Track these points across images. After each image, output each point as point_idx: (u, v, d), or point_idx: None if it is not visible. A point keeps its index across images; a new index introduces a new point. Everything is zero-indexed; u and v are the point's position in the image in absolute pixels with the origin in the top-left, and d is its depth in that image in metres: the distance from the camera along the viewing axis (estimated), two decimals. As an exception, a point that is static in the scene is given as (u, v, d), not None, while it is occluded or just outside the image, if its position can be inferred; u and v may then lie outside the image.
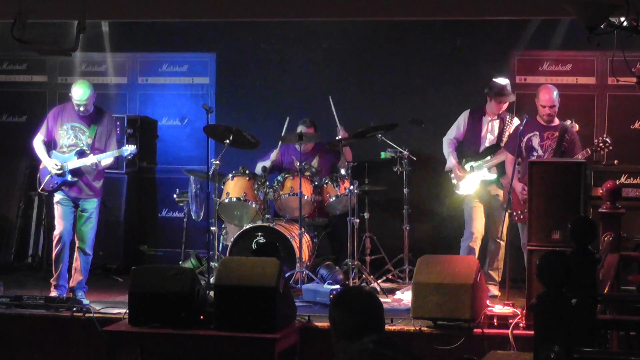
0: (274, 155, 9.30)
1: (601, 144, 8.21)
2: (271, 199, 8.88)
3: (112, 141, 8.34)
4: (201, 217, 9.10)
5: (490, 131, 8.71)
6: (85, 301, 7.94)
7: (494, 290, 8.39)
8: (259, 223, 8.73)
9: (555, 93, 8.32)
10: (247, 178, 8.85)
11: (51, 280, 8.32)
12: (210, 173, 8.50)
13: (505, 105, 8.66)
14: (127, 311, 7.15)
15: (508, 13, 7.94)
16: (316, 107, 9.78)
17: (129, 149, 8.32)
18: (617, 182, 7.78)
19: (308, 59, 10.02)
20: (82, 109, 8.23)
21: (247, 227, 8.70)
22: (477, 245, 8.62)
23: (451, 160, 8.76)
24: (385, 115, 9.55)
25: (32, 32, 7.35)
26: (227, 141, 8.72)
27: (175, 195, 9.39)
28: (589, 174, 8.60)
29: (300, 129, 9.16)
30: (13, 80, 10.50)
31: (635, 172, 8.91)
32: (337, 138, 8.90)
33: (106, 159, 8.24)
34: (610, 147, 8.29)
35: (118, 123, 8.71)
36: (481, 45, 9.67)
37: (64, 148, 8.29)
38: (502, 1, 7.64)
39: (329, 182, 8.88)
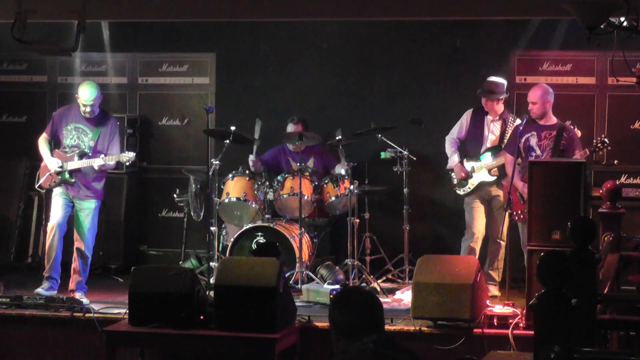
0: (250, 162, 9.24)
1: (599, 145, 8.20)
2: (271, 199, 8.88)
3: (114, 145, 8.32)
4: (201, 217, 9.10)
5: (492, 132, 8.70)
6: (85, 301, 7.94)
7: (494, 290, 8.39)
8: (259, 223, 8.73)
9: (539, 91, 8.27)
10: (247, 178, 8.86)
11: (43, 272, 8.30)
12: (210, 173, 8.50)
13: (500, 104, 8.64)
14: (127, 311, 7.15)
15: (508, 13, 7.94)
16: (316, 107, 9.78)
17: (128, 156, 8.30)
18: (617, 182, 7.78)
19: (308, 59, 10.02)
20: (87, 109, 8.23)
21: (247, 227, 8.71)
22: (477, 246, 8.62)
23: (453, 160, 8.75)
24: (385, 116, 9.55)
25: (32, 32, 7.35)
26: (227, 141, 8.74)
27: (175, 195, 9.39)
28: (589, 174, 8.60)
29: (289, 127, 9.17)
30: (13, 80, 10.49)
31: (635, 172, 8.91)
32: (337, 138, 8.89)
33: (104, 163, 8.21)
34: (609, 148, 8.29)
35: (118, 123, 8.67)
36: (481, 45, 9.66)
37: (66, 148, 8.31)
38: (502, 1, 7.64)
39: (329, 182, 8.87)
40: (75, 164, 8.22)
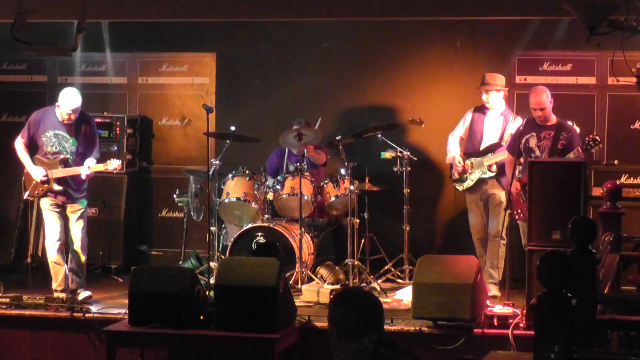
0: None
1: (591, 142, 8.11)
2: (271, 199, 8.88)
3: (95, 147, 8.22)
4: (201, 217, 9.10)
5: (491, 129, 8.69)
6: (88, 294, 7.98)
7: (494, 290, 8.38)
8: (259, 223, 8.73)
9: (544, 95, 8.25)
10: (247, 178, 8.86)
11: (54, 287, 8.18)
12: (210, 173, 8.50)
13: (500, 98, 8.61)
14: (127, 311, 7.15)
15: (508, 13, 7.95)
16: (316, 107, 9.78)
17: (114, 164, 8.22)
18: (617, 182, 7.77)
19: (308, 59, 10.02)
20: (67, 117, 8.02)
21: (247, 227, 8.71)
22: (479, 245, 8.65)
23: (451, 153, 8.74)
24: (385, 115, 9.55)
25: (32, 32, 7.35)
26: (228, 141, 8.75)
27: (175, 195, 9.39)
28: (589, 174, 8.59)
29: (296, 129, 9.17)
30: (13, 80, 10.49)
31: (635, 172, 8.91)
32: (337, 138, 8.90)
33: (90, 172, 8.10)
34: (600, 145, 8.23)
35: (95, 121, 8.49)
36: (481, 45, 9.66)
37: (48, 155, 8.13)
38: (502, 1, 7.64)
39: (329, 182, 8.88)
40: (59, 172, 8.07)
